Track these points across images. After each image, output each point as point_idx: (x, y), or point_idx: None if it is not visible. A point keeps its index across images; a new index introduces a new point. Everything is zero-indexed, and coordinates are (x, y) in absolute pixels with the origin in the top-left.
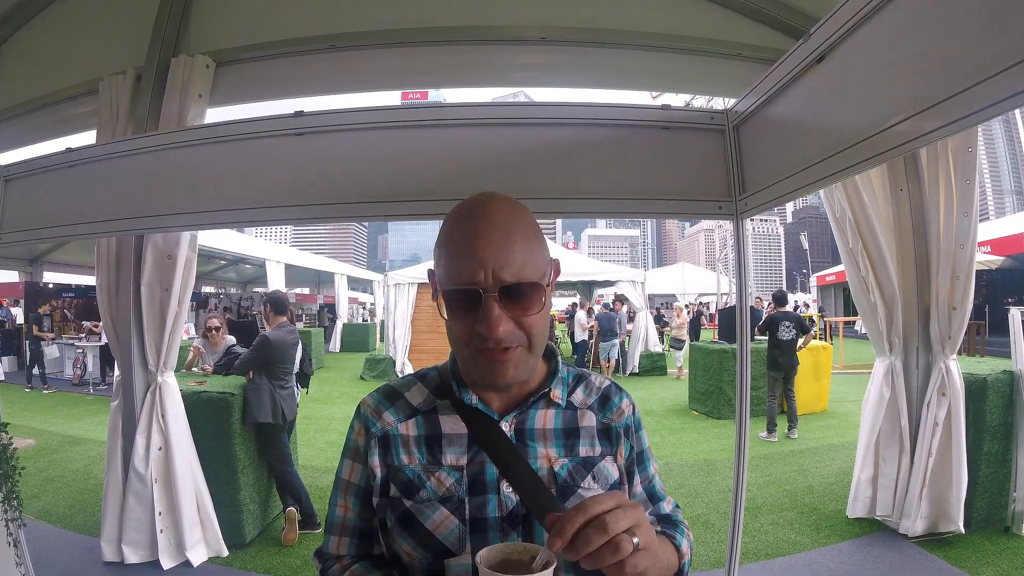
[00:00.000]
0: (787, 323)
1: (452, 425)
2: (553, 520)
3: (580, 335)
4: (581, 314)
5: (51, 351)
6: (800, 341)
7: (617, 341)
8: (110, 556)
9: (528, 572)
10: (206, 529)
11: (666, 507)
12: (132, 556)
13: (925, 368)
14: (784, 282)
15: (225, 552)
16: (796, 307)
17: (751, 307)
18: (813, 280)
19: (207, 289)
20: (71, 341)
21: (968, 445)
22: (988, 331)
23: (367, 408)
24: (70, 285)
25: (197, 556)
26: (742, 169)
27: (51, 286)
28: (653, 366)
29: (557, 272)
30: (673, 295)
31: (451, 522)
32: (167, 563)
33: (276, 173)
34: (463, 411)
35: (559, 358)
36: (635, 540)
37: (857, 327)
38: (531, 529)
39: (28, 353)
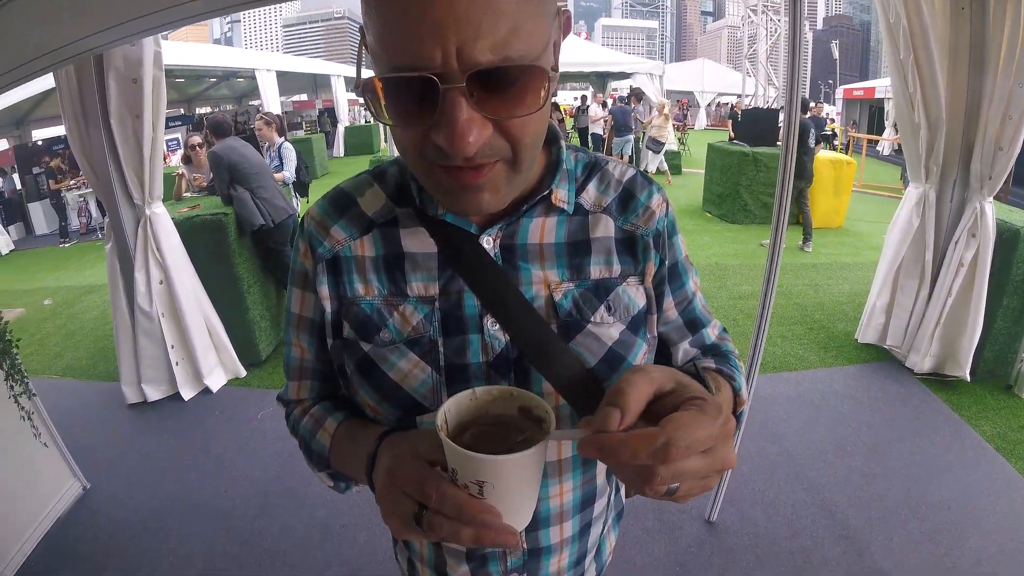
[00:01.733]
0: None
1: (417, 242)
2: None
3: (593, 129)
4: (595, 107)
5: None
6: (817, 148)
7: (631, 137)
8: (132, 398)
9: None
10: (221, 353)
11: (711, 333)
12: (153, 394)
13: (959, 204)
14: (808, 91)
15: (243, 372)
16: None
17: (812, 116)
18: (839, 92)
19: (202, 111)
20: (72, 189)
21: (988, 294)
22: (1013, 181)
23: (311, 222)
24: (59, 137)
25: (216, 381)
26: None
27: (40, 143)
28: (669, 164)
29: (567, 30)
30: (691, 92)
31: (422, 371)
32: (187, 394)
33: None
34: (430, 223)
35: (563, 143)
36: (674, 485)
37: (879, 147)
38: (526, 376)
39: (54, 210)
